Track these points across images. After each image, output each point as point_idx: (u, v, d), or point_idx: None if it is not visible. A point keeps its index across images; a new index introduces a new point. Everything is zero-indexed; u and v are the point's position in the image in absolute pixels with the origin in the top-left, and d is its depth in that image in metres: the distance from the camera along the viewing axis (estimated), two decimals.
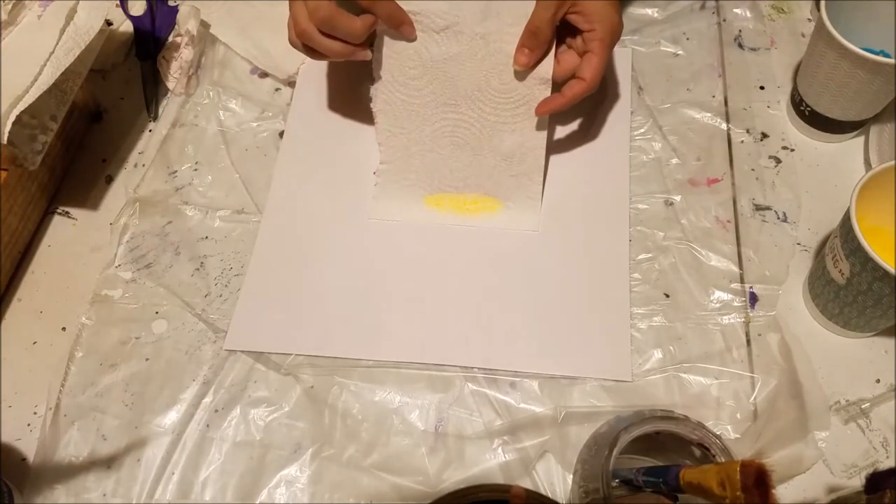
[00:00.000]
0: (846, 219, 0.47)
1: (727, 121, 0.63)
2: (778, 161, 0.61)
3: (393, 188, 0.59)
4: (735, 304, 0.54)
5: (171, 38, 0.69)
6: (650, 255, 0.57)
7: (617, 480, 0.44)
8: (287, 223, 0.60)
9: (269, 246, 0.59)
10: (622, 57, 0.66)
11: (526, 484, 0.48)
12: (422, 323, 0.54)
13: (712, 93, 0.64)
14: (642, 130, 0.62)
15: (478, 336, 0.54)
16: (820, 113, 0.59)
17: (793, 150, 0.61)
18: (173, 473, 0.50)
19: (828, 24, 0.53)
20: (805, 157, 0.61)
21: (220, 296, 0.57)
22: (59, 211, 0.62)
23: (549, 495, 0.47)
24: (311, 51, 0.53)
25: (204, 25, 0.69)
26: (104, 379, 0.54)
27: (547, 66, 0.54)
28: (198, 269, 0.58)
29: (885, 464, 0.48)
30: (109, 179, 0.63)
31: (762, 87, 0.64)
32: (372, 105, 0.58)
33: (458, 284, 0.56)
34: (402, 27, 0.53)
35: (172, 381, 0.53)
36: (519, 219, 0.59)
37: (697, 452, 0.43)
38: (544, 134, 0.57)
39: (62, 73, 0.54)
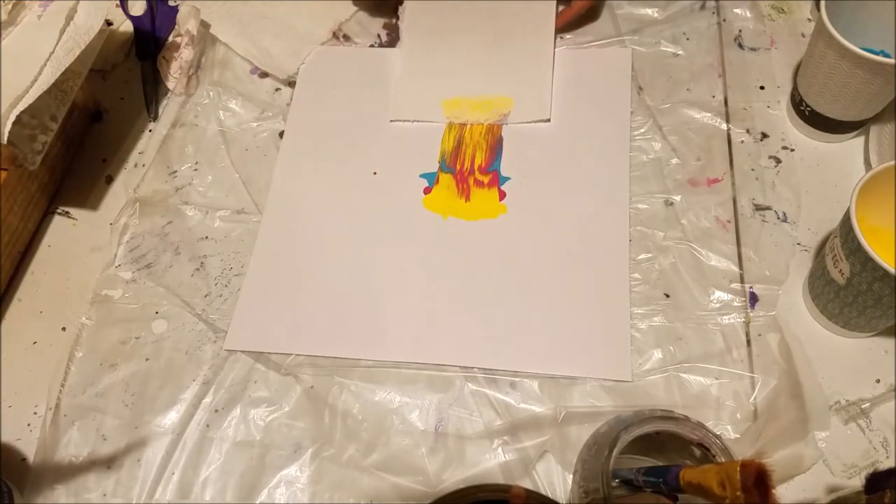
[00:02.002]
0: (846, 219, 0.47)
1: (727, 121, 0.63)
2: (778, 161, 0.61)
3: (412, 93, 0.66)
4: (735, 304, 0.54)
5: (171, 38, 0.69)
6: (650, 255, 0.57)
7: (617, 480, 0.44)
8: (287, 223, 0.60)
9: (269, 246, 0.59)
10: (622, 57, 0.66)
11: (526, 484, 0.48)
12: (422, 323, 0.54)
13: (712, 93, 0.64)
14: (642, 130, 0.62)
15: (478, 336, 0.54)
16: (820, 113, 0.59)
17: (793, 150, 0.61)
18: (173, 473, 0.50)
19: (828, 24, 0.53)
20: (805, 157, 0.61)
21: (220, 296, 0.57)
22: (59, 211, 0.62)
23: (549, 495, 0.47)
24: None
25: (204, 25, 0.69)
26: (104, 379, 0.54)
27: None
28: (198, 269, 0.58)
29: (885, 464, 0.48)
30: (109, 179, 0.63)
31: (762, 87, 0.64)
32: (399, 22, 0.68)
33: (458, 284, 0.56)
34: None
35: (172, 381, 0.53)
36: (531, 110, 0.63)
37: (697, 452, 0.43)
38: (551, 34, 0.66)
39: (62, 73, 0.54)
